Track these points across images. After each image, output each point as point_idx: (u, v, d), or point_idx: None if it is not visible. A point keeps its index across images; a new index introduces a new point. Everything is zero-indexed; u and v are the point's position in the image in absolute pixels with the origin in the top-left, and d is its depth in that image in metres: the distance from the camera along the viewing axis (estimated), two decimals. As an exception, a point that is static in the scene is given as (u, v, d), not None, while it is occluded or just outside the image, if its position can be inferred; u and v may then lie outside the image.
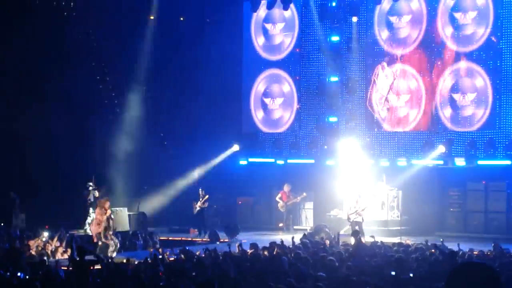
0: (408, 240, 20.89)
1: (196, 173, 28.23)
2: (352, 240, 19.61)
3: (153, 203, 28.56)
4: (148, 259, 15.78)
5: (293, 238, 19.81)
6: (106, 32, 27.63)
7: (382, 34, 27.80)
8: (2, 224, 25.22)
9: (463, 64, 26.64)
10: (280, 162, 28.93)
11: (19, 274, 13.70)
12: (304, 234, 21.58)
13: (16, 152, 26.14)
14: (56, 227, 21.93)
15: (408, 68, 27.47)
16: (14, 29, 25.55)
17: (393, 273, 12.94)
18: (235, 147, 29.26)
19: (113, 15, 27.45)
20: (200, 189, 27.08)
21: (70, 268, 14.46)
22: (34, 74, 26.32)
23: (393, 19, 27.70)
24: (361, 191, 24.81)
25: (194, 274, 13.05)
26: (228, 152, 29.22)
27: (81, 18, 27.22)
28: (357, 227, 22.57)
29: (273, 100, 29.77)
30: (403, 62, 27.53)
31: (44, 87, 26.59)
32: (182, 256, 16.70)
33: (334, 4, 28.07)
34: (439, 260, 14.55)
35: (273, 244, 17.82)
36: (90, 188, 25.43)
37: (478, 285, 4.55)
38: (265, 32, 29.84)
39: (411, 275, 13.17)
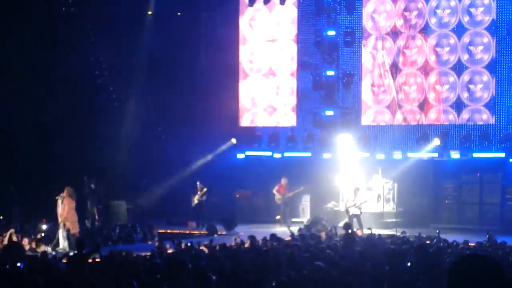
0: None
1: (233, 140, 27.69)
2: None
3: (151, 196, 28.72)
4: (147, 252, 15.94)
5: (290, 229, 19.98)
6: (104, 27, 27.72)
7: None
8: (1, 217, 25.35)
9: (461, 59, 26.83)
10: (277, 155, 29.08)
11: (18, 264, 13.83)
12: (300, 228, 21.76)
13: (14, 145, 26.24)
14: (53, 221, 22.02)
15: (409, 62, 27.67)
16: (13, 25, 25.63)
17: (409, 264, 13.12)
18: (233, 141, 29.35)
19: (111, 10, 27.55)
20: (198, 182, 27.22)
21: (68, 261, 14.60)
22: (33, 69, 26.40)
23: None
24: (359, 184, 25.05)
25: (190, 266, 13.20)
26: (225, 146, 29.36)
27: (78, 13, 27.29)
28: (355, 220, 22.77)
29: (271, 94, 29.89)
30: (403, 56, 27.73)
31: (43, 82, 26.69)
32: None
33: (330, -2, 28.22)
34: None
35: (272, 236, 18.00)
36: (86, 180, 25.54)
37: (480, 278, 4.62)
38: (261, 26, 29.94)
39: (409, 264, 13.37)
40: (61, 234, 20.44)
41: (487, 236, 18.75)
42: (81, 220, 24.65)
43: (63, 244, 20.41)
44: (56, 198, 20.76)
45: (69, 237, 20.43)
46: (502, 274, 4.63)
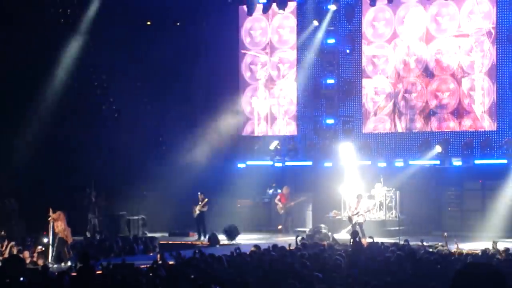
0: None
1: None
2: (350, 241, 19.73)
3: (152, 207, 28.64)
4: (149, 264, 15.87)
5: (296, 237, 19.95)
6: (102, 38, 27.68)
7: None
8: (2, 232, 25.22)
9: (459, 63, 26.80)
10: (278, 164, 29.01)
11: (21, 279, 13.76)
12: (302, 237, 21.70)
13: (14, 158, 26.17)
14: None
15: (403, 67, 27.64)
16: (13, 34, 25.60)
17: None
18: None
19: (110, 21, 27.53)
20: (199, 193, 27.16)
21: (75, 274, 14.52)
22: (30, 81, 26.34)
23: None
24: (362, 193, 25.01)
25: (193, 277, 13.14)
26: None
27: (76, 25, 27.25)
28: (357, 228, 22.68)
29: (271, 103, 29.86)
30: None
31: (42, 93, 26.65)
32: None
33: (329, 6, 28.15)
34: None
35: (274, 247, 17.92)
36: (87, 192, 25.44)
37: (483, 286, 4.58)
38: (261, 34, 29.95)
39: (410, 272, 13.30)
40: (55, 248, 20.51)
41: (492, 243, 18.65)
42: (81, 231, 24.66)
43: (53, 257, 20.43)
44: (49, 218, 20.81)
45: (58, 250, 20.45)
46: (505, 282, 4.62)
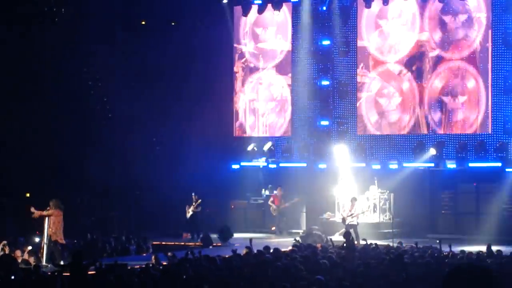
0: None
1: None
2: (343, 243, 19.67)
3: (146, 208, 28.60)
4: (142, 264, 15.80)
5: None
6: (97, 38, 27.64)
7: (372, 38, 27.95)
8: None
9: (454, 67, 26.82)
10: (273, 166, 28.98)
11: (12, 277, 13.71)
12: (295, 239, 21.67)
13: (8, 157, 26.10)
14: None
15: (399, 70, 27.64)
16: (11, 37, 25.56)
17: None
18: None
19: (104, 21, 27.49)
20: (193, 194, 27.12)
21: (68, 274, 14.45)
22: (25, 81, 26.28)
23: (382, 22, 27.85)
24: (356, 195, 24.99)
25: (185, 277, 13.09)
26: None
27: (71, 24, 27.19)
28: (351, 230, 22.66)
29: (265, 104, 29.86)
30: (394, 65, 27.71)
31: (35, 94, 26.58)
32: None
33: (324, 8, 28.18)
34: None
35: (266, 248, 17.88)
36: (80, 192, 25.37)
37: (474, 286, 4.57)
38: (256, 36, 29.93)
39: (404, 275, 13.26)
40: (46, 246, 20.33)
41: (487, 246, 18.63)
42: (73, 232, 24.54)
43: (46, 257, 20.25)
44: (44, 213, 20.53)
45: (51, 250, 20.28)
46: (495, 282, 4.61)
